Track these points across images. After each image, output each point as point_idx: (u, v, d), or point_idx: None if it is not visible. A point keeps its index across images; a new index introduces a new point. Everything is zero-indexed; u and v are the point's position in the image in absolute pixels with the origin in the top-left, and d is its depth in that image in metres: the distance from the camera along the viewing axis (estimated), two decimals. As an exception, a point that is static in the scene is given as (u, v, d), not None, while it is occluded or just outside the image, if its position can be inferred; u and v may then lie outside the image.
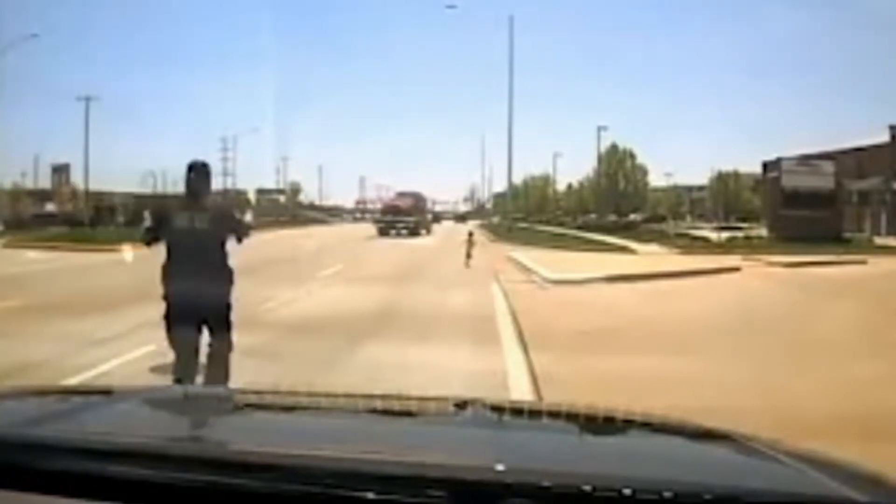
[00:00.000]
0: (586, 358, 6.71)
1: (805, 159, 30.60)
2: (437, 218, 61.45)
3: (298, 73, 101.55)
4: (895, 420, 4.49)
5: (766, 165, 36.09)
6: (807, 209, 27.15)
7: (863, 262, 18.76)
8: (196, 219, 4.62)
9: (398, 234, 37.00)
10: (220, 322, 4.67)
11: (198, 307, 4.61)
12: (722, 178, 57.65)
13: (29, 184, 52.57)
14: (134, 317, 8.40)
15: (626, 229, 36.71)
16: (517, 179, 63.42)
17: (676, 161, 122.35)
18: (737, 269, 16.80)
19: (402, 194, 44.42)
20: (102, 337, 7.33)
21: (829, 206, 28.00)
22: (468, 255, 18.04)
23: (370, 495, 1.01)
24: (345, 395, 1.88)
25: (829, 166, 29.62)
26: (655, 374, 5.78)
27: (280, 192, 72.37)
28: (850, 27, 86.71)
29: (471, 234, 19.38)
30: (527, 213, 63.78)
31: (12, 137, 58.72)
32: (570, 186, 70.61)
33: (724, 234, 30.04)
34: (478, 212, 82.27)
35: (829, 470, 1.18)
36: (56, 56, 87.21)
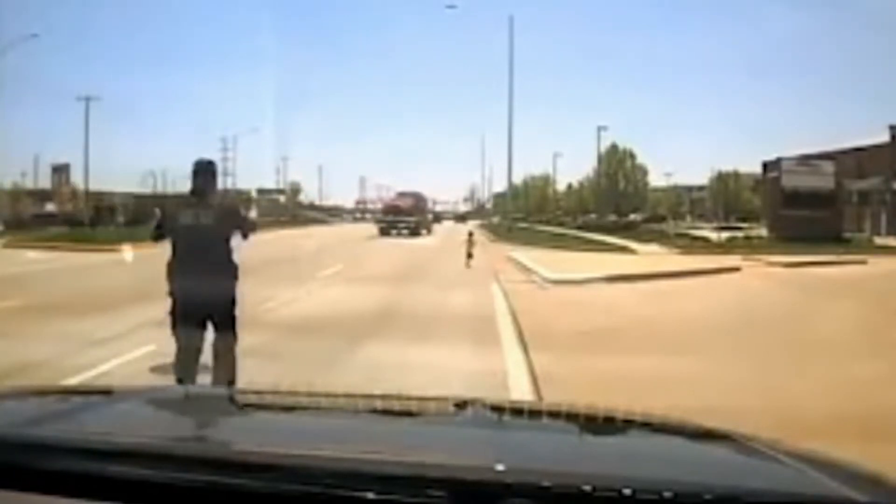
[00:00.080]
0: (586, 358, 6.71)
1: (805, 159, 30.60)
2: (438, 218, 61.52)
3: (298, 73, 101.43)
4: (895, 420, 4.50)
5: (766, 165, 36.10)
6: (807, 209, 27.14)
7: (863, 262, 18.76)
8: (201, 216, 4.68)
9: (399, 234, 37.17)
10: (226, 318, 4.72)
11: (203, 303, 4.66)
12: (722, 178, 57.62)
13: (29, 184, 52.63)
14: (134, 317, 8.41)
15: (626, 229, 36.71)
16: (517, 179, 63.48)
17: (676, 161, 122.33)
18: (737, 270, 16.81)
19: (402, 194, 44.55)
20: (102, 337, 7.34)
21: (829, 206, 28.00)
22: (469, 255, 18.04)
23: (370, 495, 1.01)
24: (345, 395, 1.88)
25: (829, 166, 29.63)
26: (655, 374, 5.78)
27: (280, 192, 72.33)
28: (850, 27, 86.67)
29: (471, 234, 19.39)
30: (527, 213, 63.76)
31: (12, 137, 58.72)
32: (570, 186, 70.66)
33: (724, 234, 30.04)
34: (478, 212, 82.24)
35: (829, 470, 1.18)
36: (56, 56, 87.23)
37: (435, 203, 68.02)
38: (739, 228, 36.23)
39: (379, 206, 51.84)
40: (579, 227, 41.13)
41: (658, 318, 9.80)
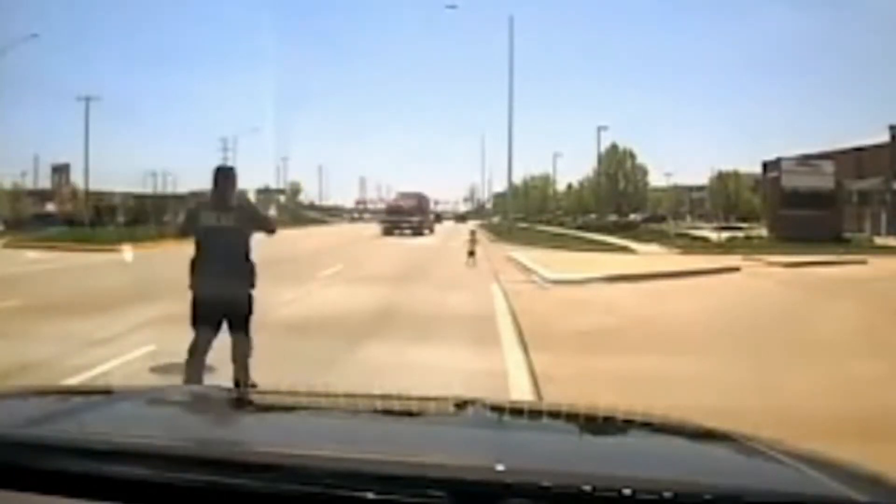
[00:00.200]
0: (586, 358, 6.71)
1: (805, 159, 30.61)
2: (439, 218, 61.61)
3: (298, 73, 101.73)
4: (895, 420, 4.50)
5: (766, 165, 36.11)
6: (807, 209, 27.14)
7: (863, 262, 18.75)
8: (222, 218, 4.93)
9: (401, 234, 37.37)
10: (241, 316, 4.94)
11: (221, 301, 4.91)
12: (722, 178, 57.59)
13: (29, 184, 52.65)
14: (134, 317, 8.42)
15: (626, 229, 36.70)
16: (517, 179, 63.46)
17: (676, 161, 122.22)
18: (737, 269, 16.80)
19: (405, 195, 44.96)
20: (102, 337, 7.33)
21: (829, 206, 27.99)
22: (471, 254, 18.08)
23: (370, 495, 1.01)
24: (345, 395, 1.88)
25: (828, 166, 29.64)
26: (655, 374, 5.78)
27: (280, 192, 72.37)
28: (850, 27, 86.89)
29: (473, 233, 19.43)
30: (527, 213, 63.75)
31: (12, 137, 58.93)
32: (570, 186, 70.64)
33: (724, 234, 30.03)
34: (478, 212, 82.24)
35: (829, 470, 1.18)
36: (56, 56, 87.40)
37: (437, 203, 68.06)
38: (739, 228, 36.25)
39: (379, 206, 52.06)
40: (579, 227, 41.15)
41: (658, 318, 9.80)
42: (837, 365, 6.36)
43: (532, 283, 14.11)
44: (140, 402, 1.72)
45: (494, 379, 5.86)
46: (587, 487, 1.00)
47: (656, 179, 63.50)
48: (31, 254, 20.63)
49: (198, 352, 4.86)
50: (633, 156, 58.78)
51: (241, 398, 2.16)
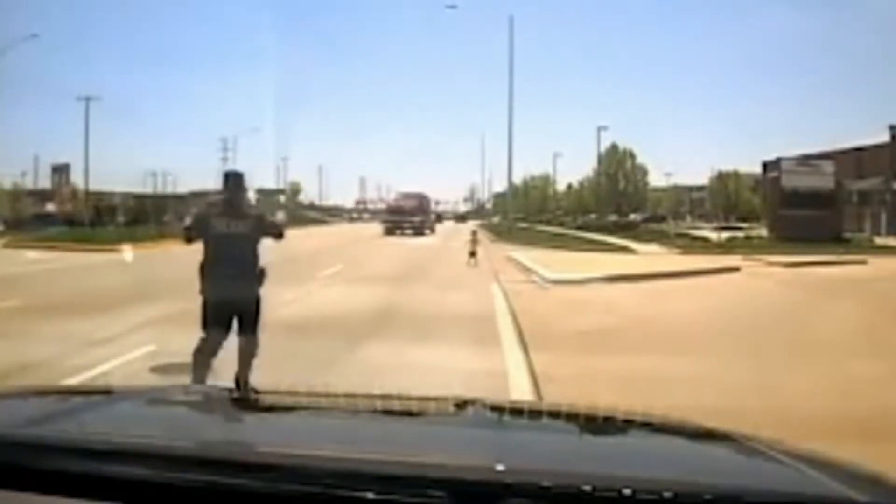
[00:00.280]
0: (586, 358, 6.71)
1: (805, 159, 30.61)
2: (440, 218, 61.68)
3: (298, 73, 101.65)
4: (895, 420, 4.50)
5: (766, 165, 36.11)
6: (807, 209, 27.14)
7: (863, 262, 18.75)
8: (232, 224, 5.01)
9: (403, 233, 37.50)
10: (250, 319, 5.03)
11: (230, 305, 4.99)
12: (722, 178, 57.59)
13: (29, 184, 52.68)
14: (133, 317, 8.42)
15: (626, 229, 36.71)
16: (517, 179, 63.46)
17: (676, 161, 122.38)
18: (737, 269, 16.80)
19: (407, 195, 45.18)
20: (102, 337, 7.33)
21: (829, 206, 28.00)
22: (472, 254, 18.10)
23: (370, 495, 1.01)
24: (345, 395, 1.88)
25: (828, 166, 29.64)
26: (655, 374, 5.78)
27: (280, 192, 72.34)
28: (850, 27, 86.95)
29: (474, 233, 19.45)
30: (527, 213, 63.74)
31: (12, 137, 58.94)
32: (570, 186, 70.64)
33: (724, 234, 30.04)
34: (478, 212, 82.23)
35: (829, 470, 1.18)
36: (56, 56, 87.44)
37: (437, 203, 68.12)
38: (739, 228, 36.25)
39: (379, 206, 52.16)
40: (579, 227, 41.15)
41: (658, 318, 9.80)
42: (837, 365, 6.36)
43: (532, 283, 14.10)
44: (140, 402, 1.72)
45: (494, 379, 5.86)
46: (587, 487, 1.00)
47: (656, 179, 63.64)
48: (31, 254, 20.62)
49: (207, 354, 4.93)
50: (633, 156, 58.82)
51: (241, 398, 2.16)
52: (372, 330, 8.12)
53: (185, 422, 1.63)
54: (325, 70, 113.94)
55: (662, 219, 50.02)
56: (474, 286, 13.37)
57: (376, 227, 43.60)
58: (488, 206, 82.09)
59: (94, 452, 1.12)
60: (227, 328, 4.99)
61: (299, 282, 12.79)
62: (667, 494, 0.99)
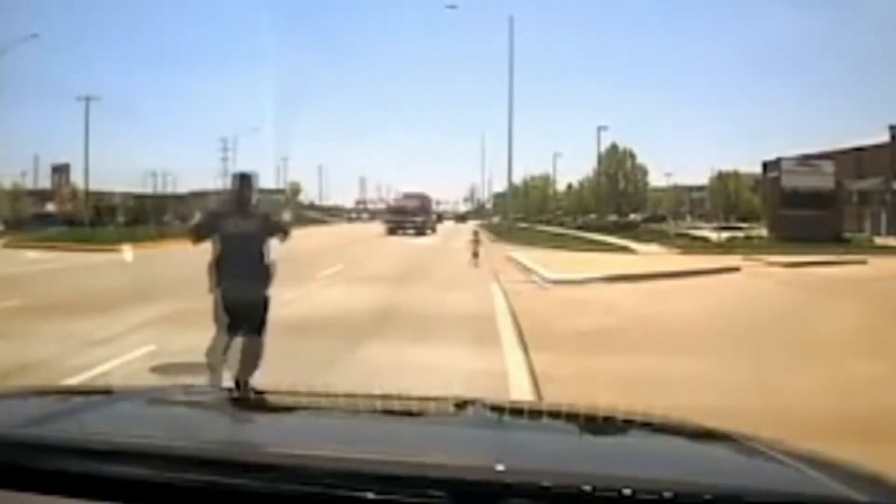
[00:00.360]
0: (586, 358, 6.71)
1: (805, 159, 30.60)
2: (440, 218, 61.75)
3: (298, 73, 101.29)
4: (895, 420, 4.50)
5: (766, 165, 36.11)
6: (807, 209, 27.14)
7: (863, 262, 18.75)
8: (241, 224, 5.08)
9: (405, 233, 37.64)
10: (256, 316, 5.07)
11: (242, 303, 5.05)
12: (722, 178, 57.58)
13: (29, 184, 52.67)
14: (133, 317, 8.42)
15: (626, 229, 36.70)
16: (517, 179, 63.41)
17: (676, 161, 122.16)
18: (737, 269, 16.81)
19: (408, 196, 45.40)
20: (102, 337, 7.33)
21: (829, 206, 27.99)
22: (475, 255, 18.13)
23: (370, 495, 1.01)
24: (345, 395, 1.88)
25: (828, 166, 29.63)
26: (655, 374, 5.78)
27: (280, 192, 72.36)
28: (850, 27, 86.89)
29: (476, 234, 19.47)
30: (527, 213, 63.72)
31: (12, 137, 58.92)
32: (570, 186, 70.63)
33: (724, 234, 30.04)
34: (478, 212, 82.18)
35: (829, 470, 1.18)
36: (56, 56, 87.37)
37: (438, 203, 68.16)
38: (739, 228, 36.24)
39: (379, 206, 52.17)
40: (579, 227, 41.15)
41: (658, 318, 9.80)
42: (837, 365, 6.36)
43: (532, 283, 14.10)
44: (140, 402, 1.72)
45: (494, 379, 5.86)
46: (587, 487, 1.00)
47: (656, 179, 63.62)
48: (31, 254, 20.62)
49: (221, 351, 4.99)
50: (633, 156, 58.83)
51: (241, 398, 2.16)
52: (372, 330, 8.13)
53: (185, 422, 1.63)
54: (325, 70, 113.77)
55: (662, 219, 50.01)
56: (474, 286, 13.37)
57: (376, 227, 43.65)
58: (488, 206, 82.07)
59: (94, 452, 1.12)
60: (237, 327, 5.04)
61: (299, 282, 12.77)
62: (667, 494, 0.99)
